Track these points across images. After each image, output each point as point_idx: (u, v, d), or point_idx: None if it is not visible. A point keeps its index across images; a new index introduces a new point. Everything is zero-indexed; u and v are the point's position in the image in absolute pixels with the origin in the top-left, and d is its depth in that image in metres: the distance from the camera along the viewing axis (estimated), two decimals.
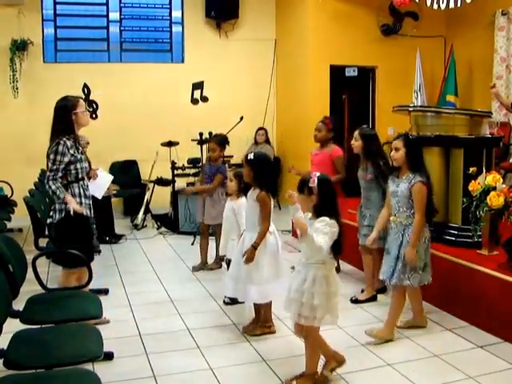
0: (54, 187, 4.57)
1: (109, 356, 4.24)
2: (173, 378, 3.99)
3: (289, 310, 3.81)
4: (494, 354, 4.31)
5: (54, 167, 4.55)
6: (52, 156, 4.54)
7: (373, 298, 5.54)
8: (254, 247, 4.49)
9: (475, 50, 9.52)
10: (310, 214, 3.68)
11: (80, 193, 4.72)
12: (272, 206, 4.59)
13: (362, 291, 5.63)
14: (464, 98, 9.43)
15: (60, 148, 4.53)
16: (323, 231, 3.50)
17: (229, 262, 5.07)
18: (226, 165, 6.94)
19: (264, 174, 4.54)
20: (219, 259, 6.52)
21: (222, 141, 6.84)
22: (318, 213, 3.60)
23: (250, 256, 4.50)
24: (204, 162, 7.68)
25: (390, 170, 4.90)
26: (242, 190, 5.12)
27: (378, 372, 4.08)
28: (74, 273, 4.72)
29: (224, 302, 5.40)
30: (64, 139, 4.57)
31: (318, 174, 3.65)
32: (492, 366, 4.13)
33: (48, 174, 4.59)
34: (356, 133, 5.42)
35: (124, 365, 4.19)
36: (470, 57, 9.64)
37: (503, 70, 8.74)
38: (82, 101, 4.83)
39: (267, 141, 10.38)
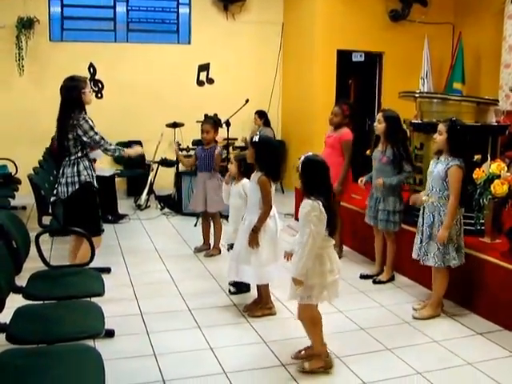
0: (112, 147, 5.03)
1: (110, 333, 4.27)
2: (173, 356, 4.02)
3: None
4: (494, 342, 4.33)
5: (97, 137, 4.89)
6: (92, 133, 4.85)
7: (392, 279, 5.64)
8: (255, 231, 4.53)
9: (483, 38, 9.45)
10: None
11: (90, 165, 5.00)
12: (273, 189, 4.60)
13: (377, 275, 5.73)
14: (471, 86, 9.38)
15: (90, 122, 4.86)
16: (304, 222, 3.58)
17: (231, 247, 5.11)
18: (219, 147, 6.76)
19: (267, 157, 4.54)
20: (228, 248, 6.34)
21: (216, 122, 6.81)
22: (304, 192, 3.68)
23: (253, 241, 4.54)
24: None
25: (408, 155, 5.20)
26: (243, 173, 5.11)
27: (376, 356, 4.10)
28: (97, 240, 4.97)
29: (229, 291, 5.31)
30: (86, 117, 4.87)
31: (309, 154, 3.74)
32: (491, 353, 4.15)
33: (100, 143, 4.94)
34: (380, 115, 5.43)
35: (125, 342, 4.22)
36: (478, 45, 9.58)
37: (511, 59, 8.67)
38: (88, 80, 4.99)
39: (267, 123, 10.30)
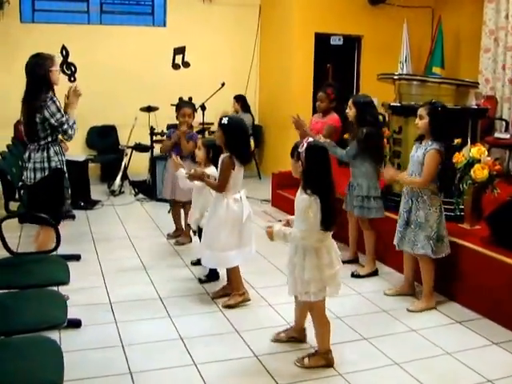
0: (72, 131, 4.62)
1: (76, 323, 4.12)
2: (140, 347, 3.86)
3: (288, 283, 3.72)
4: (473, 330, 4.23)
5: (63, 119, 4.55)
6: (58, 116, 4.51)
7: (374, 273, 5.41)
8: (201, 176, 4.54)
9: (463, 22, 9.31)
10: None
11: (61, 151, 4.72)
12: (239, 172, 4.45)
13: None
14: (450, 71, 9.24)
15: (58, 104, 4.54)
16: (301, 218, 3.43)
17: (199, 232, 5.03)
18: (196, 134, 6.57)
19: (236, 139, 4.39)
20: (193, 233, 6.05)
21: (194, 106, 6.60)
22: (304, 181, 3.46)
23: (192, 175, 4.59)
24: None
25: (376, 139, 5.08)
26: (211, 160, 4.96)
27: (352, 345, 3.98)
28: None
29: (200, 280, 5.14)
30: (54, 97, 4.54)
31: (310, 139, 3.49)
32: (470, 343, 4.05)
33: (64, 128, 4.56)
34: (350, 101, 5.23)
35: (92, 333, 4.05)
36: (458, 29, 9.45)
37: (491, 43, 8.54)
38: (56, 59, 4.72)
39: (245, 108, 10.06)
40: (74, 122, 4.64)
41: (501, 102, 8.33)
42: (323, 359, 3.67)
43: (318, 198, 3.36)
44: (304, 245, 3.48)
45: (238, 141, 4.41)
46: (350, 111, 5.18)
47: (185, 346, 3.88)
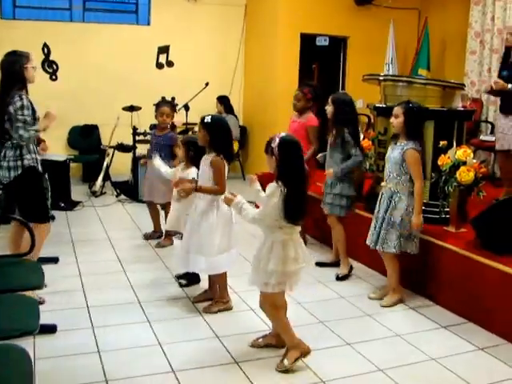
0: (26, 135, 4.39)
1: (51, 329, 3.99)
2: (117, 353, 3.73)
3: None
4: (459, 335, 4.16)
5: (24, 119, 4.36)
6: (20, 112, 4.33)
7: (350, 269, 5.40)
8: (196, 188, 4.32)
9: (449, 24, 9.27)
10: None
11: (35, 149, 4.57)
12: (226, 171, 4.33)
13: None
14: (436, 73, 9.19)
15: (25, 102, 4.37)
16: (264, 203, 3.44)
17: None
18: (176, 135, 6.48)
19: (220, 137, 4.28)
20: (171, 235, 6.04)
21: (173, 106, 6.48)
22: (277, 175, 3.42)
23: (184, 189, 4.37)
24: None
25: (357, 140, 5.10)
26: (191, 159, 4.89)
27: (335, 351, 3.88)
28: (45, 227, 4.65)
29: (180, 284, 5.02)
30: (24, 95, 4.41)
31: (283, 134, 3.47)
32: (456, 348, 3.97)
33: (17, 124, 4.34)
34: (329, 98, 5.21)
35: (67, 339, 3.92)
36: (444, 31, 9.40)
37: (477, 46, 8.50)
38: (32, 56, 4.58)
39: (229, 109, 9.88)
40: (36, 131, 4.50)
41: (486, 105, 8.28)
42: (297, 351, 3.60)
43: (287, 189, 3.35)
44: (273, 238, 3.45)
45: (223, 139, 4.31)
46: (329, 108, 5.17)
47: (163, 352, 3.76)
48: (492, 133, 7.95)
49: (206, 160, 4.31)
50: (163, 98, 7.21)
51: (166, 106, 6.35)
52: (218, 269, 4.40)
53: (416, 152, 4.35)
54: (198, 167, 4.71)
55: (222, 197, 3.78)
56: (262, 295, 3.61)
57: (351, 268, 5.38)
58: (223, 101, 9.84)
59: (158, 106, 6.39)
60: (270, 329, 3.95)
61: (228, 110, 9.78)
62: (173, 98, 8.42)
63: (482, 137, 7.70)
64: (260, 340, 3.88)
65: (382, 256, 4.64)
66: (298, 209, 3.42)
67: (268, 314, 3.70)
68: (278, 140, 3.39)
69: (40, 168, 4.63)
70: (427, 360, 3.77)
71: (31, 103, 4.45)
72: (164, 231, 6.25)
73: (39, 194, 4.65)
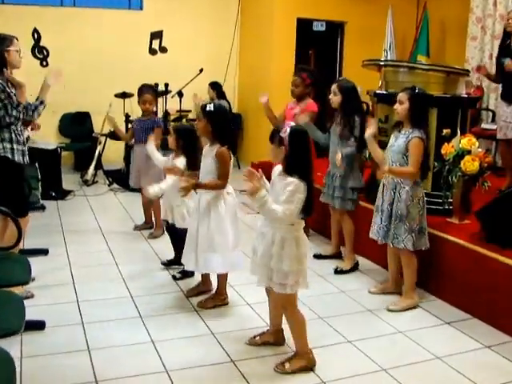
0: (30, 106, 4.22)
1: (40, 325, 3.81)
2: (108, 351, 3.56)
3: (255, 273, 3.47)
4: (463, 332, 4.01)
5: (6, 101, 4.10)
6: None
7: (356, 265, 5.19)
8: (196, 185, 4.07)
9: (449, 9, 9.05)
10: (279, 169, 3.33)
11: (11, 138, 4.21)
12: (232, 164, 4.13)
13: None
14: (436, 59, 8.97)
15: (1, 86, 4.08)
16: (288, 199, 3.13)
17: (170, 228, 4.85)
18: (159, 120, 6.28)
19: (224, 127, 4.07)
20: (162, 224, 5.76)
21: (156, 92, 6.27)
22: (287, 166, 3.21)
23: (185, 188, 4.05)
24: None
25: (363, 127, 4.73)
26: (182, 147, 4.67)
27: (335, 349, 3.71)
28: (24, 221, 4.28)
29: (174, 277, 4.85)
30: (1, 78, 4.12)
31: (292, 123, 3.28)
32: (461, 346, 3.82)
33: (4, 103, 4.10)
34: (334, 86, 4.94)
35: (56, 336, 3.74)
36: (444, 16, 9.19)
37: (478, 31, 8.30)
38: (16, 40, 4.33)
39: (221, 95, 9.54)
40: (35, 107, 4.28)
41: (487, 92, 8.10)
42: (304, 360, 3.42)
43: (306, 182, 3.15)
44: (283, 234, 3.23)
45: (227, 129, 4.12)
46: (335, 97, 4.91)
47: (156, 350, 3.59)
48: (493, 121, 7.78)
49: (211, 152, 4.07)
50: (144, 84, 6.86)
51: (147, 93, 6.12)
52: (234, 266, 4.18)
53: (421, 141, 4.12)
54: (187, 156, 4.60)
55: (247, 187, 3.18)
56: (279, 297, 3.35)
57: (357, 264, 5.19)
58: (215, 87, 9.62)
59: (139, 93, 6.17)
60: (268, 325, 3.79)
61: (220, 96, 9.56)
62: (166, 85, 8.22)
63: (482, 125, 7.53)
64: (257, 338, 3.71)
65: (399, 253, 4.36)
66: (312, 202, 3.23)
67: (288, 316, 3.44)
68: (289, 129, 3.17)
69: (20, 158, 4.28)
70: (432, 359, 3.61)
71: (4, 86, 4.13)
72: (155, 223, 6.09)
73: (14, 187, 4.33)
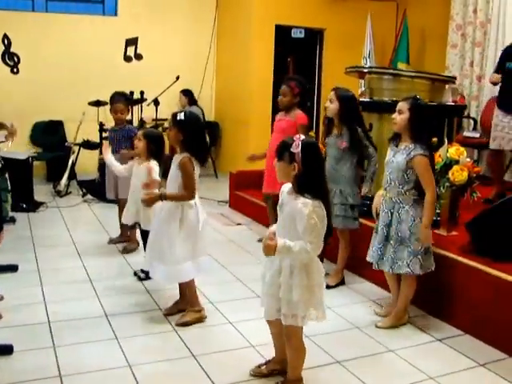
0: None
1: (7, 350, 3.55)
2: (82, 378, 3.31)
3: (263, 304, 3.18)
4: (456, 349, 3.82)
5: None
6: None
7: (341, 283, 4.97)
8: (161, 197, 3.92)
9: (429, 17, 8.99)
10: (287, 187, 3.05)
11: None
12: (197, 174, 3.95)
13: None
14: (416, 67, 8.84)
15: None
16: (310, 224, 2.84)
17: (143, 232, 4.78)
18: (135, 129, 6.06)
19: (194, 136, 3.90)
20: (128, 229, 5.68)
21: (129, 99, 6.08)
22: (299, 185, 2.93)
23: (148, 200, 3.96)
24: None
25: (368, 138, 4.62)
26: (152, 153, 4.71)
27: (323, 371, 3.50)
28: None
29: (139, 277, 4.78)
30: None
31: (302, 137, 2.95)
32: (454, 364, 3.62)
33: None
34: (332, 93, 4.67)
35: (25, 361, 3.48)
36: (424, 23, 9.13)
37: (458, 39, 8.23)
38: None
39: (193, 102, 9.51)
40: None
41: (468, 100, 8.01)
42: None
43: (322, 203, 2.89)
44: (291, 263, 2.96)
45: (197, 139, 3.93)
46: (332, 105, 4.63)
47: (134, 376, 3.35)
48: (474, 129, 7.70)
49: (177, 160, 3.92)
50: (116, 92, 6.60)
51: (119, 101, 5.91)
52: (178, 278, 4.06)
53: (426, 159, 3.82)
54: (158, 162, 4.68)
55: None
56: (287, 329, 3.10)
57: (343, 281, 4.97)
58: (187, 93, 9.49)
59: (111, 101, 5.97)
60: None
61: (192, 103, 9.44)
62: (141, 92, 8.02)
63: (465, 133, 7.42)
64: (263, 367, 3.41)
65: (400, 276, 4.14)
66: (330, 224, 2.98)
67: (293, 348, 3.17)
68: (300, 144, 2.88)
69: None
70: (425, 379, 3.42)
71: None
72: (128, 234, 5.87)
73: None
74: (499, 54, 6.45)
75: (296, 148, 2.87)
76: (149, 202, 3.97)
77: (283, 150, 2.94)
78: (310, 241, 2.84)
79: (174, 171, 3.94)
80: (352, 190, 4.67)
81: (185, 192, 3.88)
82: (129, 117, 6.25)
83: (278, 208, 3.10)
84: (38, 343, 3.71)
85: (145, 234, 4.77)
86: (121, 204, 5.83)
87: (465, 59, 8.16)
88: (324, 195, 2.95)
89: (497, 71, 5.98)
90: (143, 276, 4.79)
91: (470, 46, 8.09)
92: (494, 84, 6.13)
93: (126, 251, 5.68)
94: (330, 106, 4.65)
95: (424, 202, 3.86)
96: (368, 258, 4.20)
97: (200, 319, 4.11)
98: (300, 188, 2.91)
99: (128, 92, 7.38)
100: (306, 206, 2.85)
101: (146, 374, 3.38)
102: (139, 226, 4.93)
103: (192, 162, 3.87)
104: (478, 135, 7.18)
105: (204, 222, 4.05)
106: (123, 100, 5.96)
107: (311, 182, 2.89)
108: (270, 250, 2.85)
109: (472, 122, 7.83)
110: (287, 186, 3.06)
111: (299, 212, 2.87)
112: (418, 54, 9.25)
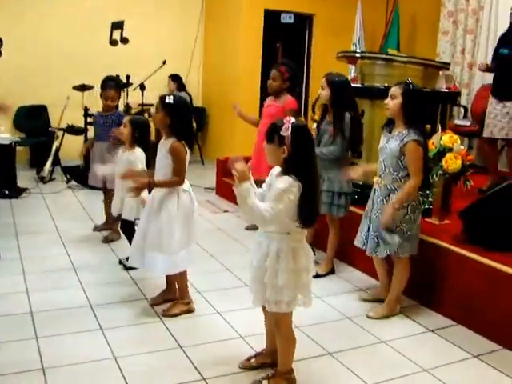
0: None
1: None
2: (65, 370, 3.19)
3: (251, 290, 3.08)
4: (449, 340, 3.76)
5: None
6: None
7: (332, 271, 4.88)
8: (150, 183, 3.78)
9: (421, 3, 8.87)
10: (277, 170, 2.95)
11: None
12: (188, 159, 3.82)
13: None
14: (406, 53, 8.79)
15: None
16: (276, 197, 2.77)
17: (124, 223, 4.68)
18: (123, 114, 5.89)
19: (183, 121, 3.79)
20: (113, 220, 5.47)
21: (119, 85, 5.93)
22: (287, 167, 2.83)
23: (135, 188, 3.80)
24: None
25: (359, 125, 4.53)
26: (137, 140, 4.62)
27: (314, 362, 3.41)
28: None
29: (124, 265, 4.70)
30: None
31: (292, 119, 2.83)
32: (447, 356, 3.56)
33: None
34: (323, 80, 4.55)
35: (7, 353, 3.36)
36: (415, 10, 9.00)
37: (450, 26, 8.12)
38: None
39: (182, 88, 9.42)
40: None
41: (459, 88, 7.91)
42: (284, 380, 3.10)
43: (303, 186, 2.77)
44: (278, 246, 2.87)
45: (185, 124, 3.81)
46: (324, 91, 4.52)
47: (119, 367, 3.24)
48: (465, 117, 7.62)
49: (165, 144, 3.79)
50: (108, 77, 6.40)
51: (111, 89, 5.73)
52: (178, 268, 3.90)
53: (419, 146, 3.74)
54: (143, 149, 4.61)
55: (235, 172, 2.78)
56: (274, 316, 3.02)
57: (333, 270, 4.90)
58: (176, 79, 9.38)
59: (103, 87, 5.79)
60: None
61: (181, 89, 9.34)
62: (127, 77, 7.86)
63: (456, 121, 7.33)
64: (252, 360, 3.32)
65: (393, 260, 4.08)
66: (314, 209, 2.90)
67: (282, 337, 3.07)
68: (290, 127, 2.79)
69: None
70: (419, 372, 3.34)
71: None
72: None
73: None
74: (491, 41, 6.36)
75: (286, 131, 2.77)
76: (136, 190, 3.83)
77: (273, 133, 2.84)
78: (271, 207, 2.76)
79: (162, 157, 3.80)
80: (339, 178, 4.54)
81: (175, 178, 3.76)
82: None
83: (264, 186, 3.01)
84: (20, 334, 3.58)
85: (126, 224, 4.70)
86: (109, 195, 5.68)
87: (456, 46, 8.07)
88: (313, 179, 2.86)
89: (493, 59, 5.88)
90: (129, 264, 4.63)
91: (461, 34, 8.00)
92: (483, 71, 6.05)
93: (106, 240, 5.54)
94: (321, 92, 4.54)
95: (407, 184, 3.79)
96: (356, 243, 4.15)
97: (188, 311, 4.01)
98: (287, 169, 2.82)
99: (115, 75, 7.22)
100: (284, 182, 2.77)
101: (131, 365, 3.27)
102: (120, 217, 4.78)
103: (184, 146, 3.75)
104: (468, 123, 7.11)
105: (196, 209, 3.96)
106: (115, 87, 5.79)
107: (300, 166, 2.80)
108: (240, 175, 2.72)
109: (462, 110, 7.74)
110: (277, 170, 2.96)
111: (275, 185, 2.82)
112: (409, 41, 9.13)
